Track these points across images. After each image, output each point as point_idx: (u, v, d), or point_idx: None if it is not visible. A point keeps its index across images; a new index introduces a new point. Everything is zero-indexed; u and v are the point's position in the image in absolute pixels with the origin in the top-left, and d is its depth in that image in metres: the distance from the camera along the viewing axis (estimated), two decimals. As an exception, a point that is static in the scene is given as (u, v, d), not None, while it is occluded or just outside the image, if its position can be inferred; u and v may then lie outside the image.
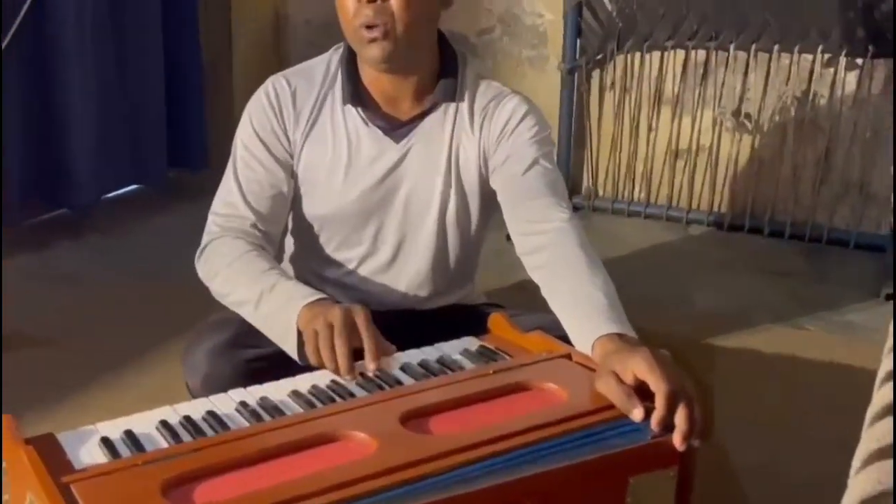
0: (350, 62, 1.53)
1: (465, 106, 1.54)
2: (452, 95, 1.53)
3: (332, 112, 1.54)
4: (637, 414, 1.11)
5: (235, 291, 1.44)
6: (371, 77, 1.52)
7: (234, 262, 1.45)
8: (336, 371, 1.26)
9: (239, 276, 1.43)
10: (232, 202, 1.52)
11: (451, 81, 1.53)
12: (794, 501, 1.65)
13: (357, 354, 1.27)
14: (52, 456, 1.05)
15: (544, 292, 1.39)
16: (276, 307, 1.37)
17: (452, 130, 1.54)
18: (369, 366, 1.26)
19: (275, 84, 1.54)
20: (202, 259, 1.50)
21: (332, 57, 1.56)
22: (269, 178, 1.53)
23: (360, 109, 1.52)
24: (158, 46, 3.06)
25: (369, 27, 1.41)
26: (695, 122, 3.06)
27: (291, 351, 1.35)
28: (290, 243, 1.69)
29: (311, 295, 1.35)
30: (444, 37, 1.56)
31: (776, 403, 2.04)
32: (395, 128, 1.53)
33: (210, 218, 1.53)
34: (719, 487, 1.70)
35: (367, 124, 1.53)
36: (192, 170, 3.24)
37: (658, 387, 1.11)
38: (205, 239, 1.51)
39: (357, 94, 1.52)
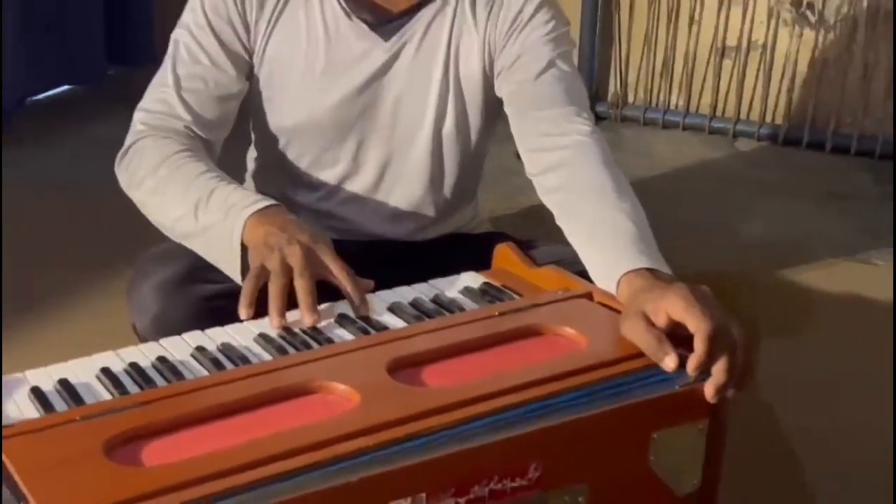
0: None
1: None
2: None
3: (305, 0, 1.51)
4: (669, 362, 1.12)
5: (164, 204, 1.42)
6: None
7: (161, 167, 1.42)
8: (279, 323, 1.24)
9: (168, 184, 1.41)
10: (165, 99, 1.49)
11: None
12: (854, 470, 1.67)
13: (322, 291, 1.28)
14: (-27, 409, 1.06)
15: (560, 219, 1.40)
16: (214, 219, 1.36)
17: (452, 26, 1.52)
18: (360, 309, 1.27)
19: None
20: (123, 163, 1.48)
21: None
22: (215, 76, 1.50)
23: None
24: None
25: None
26: (746, 14, 3.03)
27: (233, 273, 1.35)
28: (252, 160, 1.69)
29: (258, 201, 1.34)
30: None
31: (837, 352, 2.05)
32: (384, 22, 1.51)
33: (136, 115, 1.50)
34: (764, 451, 1.73)
35: (349, 17, 1.51)
36: (136, 66, 3.20)
37: (698, 327, 1.11)
38: (128, 139, 1.49)
39: None
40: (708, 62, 3.13)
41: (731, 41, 3.09)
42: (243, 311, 1.27)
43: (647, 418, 1.11)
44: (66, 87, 3.19)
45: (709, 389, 1.11)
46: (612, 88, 3.25)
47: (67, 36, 3.02)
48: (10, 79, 2.85)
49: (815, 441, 1.78)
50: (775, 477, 1.68)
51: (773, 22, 3.03)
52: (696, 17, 3.09)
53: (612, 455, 1.10)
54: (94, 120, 3.03)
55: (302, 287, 1.26)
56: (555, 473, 1.06)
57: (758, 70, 3.10)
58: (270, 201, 1.36)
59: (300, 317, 1.26)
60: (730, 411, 1.15)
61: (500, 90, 1.54)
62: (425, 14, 1.52)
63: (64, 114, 3.10)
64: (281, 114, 1.56)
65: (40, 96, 3.12)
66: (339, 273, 1.29)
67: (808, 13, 3.01)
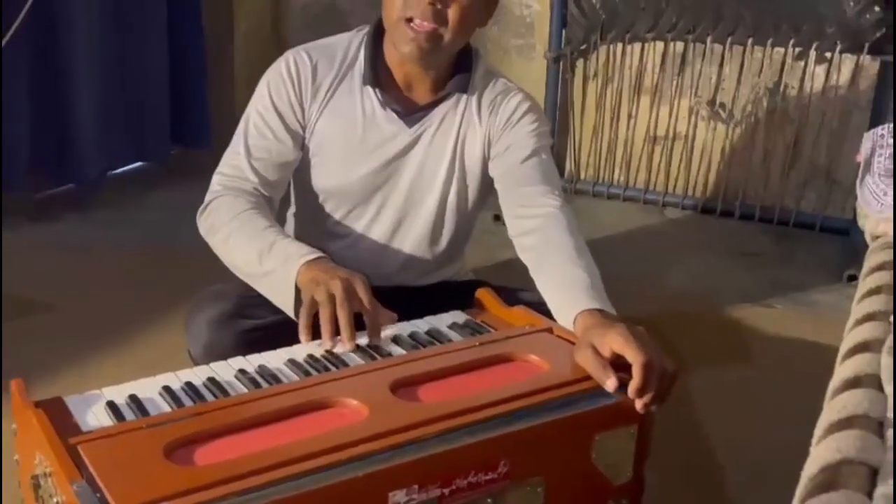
0: (375, 45, 1.52)
1: (474, 98, 1.54)
2: (465, 88, 1.53)
3: (349, 90, 1.52)
4: (611, 384, 1.13)
5: (235, 250, 1.42)
6: (395, 62, 1.51)
7: (233, 220, 1.43)
8: (330, 345, 1.25)
9: (239, 234, 1.42)
10: (238, 165, 1.50)
11: (466, 75, 1.53)
12: (759, 468, 1.66)
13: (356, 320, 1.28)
14: (60, 419, 1.05)
15: (532, 271, 1.40)
16: (274, 265, 1.36)
17: (461, 120, 1.54)
18: (374, 340, 1.27)
19: (296, 57, 1.52)
20: (203, 215, 1.49)
21: (354, 38, 1.55)
22: (277, 148, 1.51)
23: (378, 91, 1.51)
24: (162, 28, 3.03)
25: (412, 20, 1.41)
26: (672, 111, 3.06)
27: (288, 309, 1.34)
28: (291, 215, 1.69)
29: (309, 253, 1.35)
30: None
31: (745, 377, 2.05)
32: (410, 112, 1.52)
33: (215, 177, 1.51)
34: (691, 454, 1.72)
35: (383, 107, 1.52)
36: (195, 148, 3.21)
37: (635, 359, 1.12)
38: (208, 197, 1.50)
39: (377, 76, 1.51)
40: (643, 148, 3.16)
41: (661, 132, 3.12)
42: (303, 337, 1.27)
43: (590, 424, 1.11)
44: (138, 164, 3.20)
45: (638, 403, 1.13)
46: (568, 168, 3.27)
47: (139, 121, 3.03)
48: (94, 156, 2.86)
49: (728, 440, 1.77)
50: (693, 468, 1.67)
51: (692, 117, 3.06)
52: (633, 113, 3.12)
53: (563, 453, 1.11)
54: (161, 189, 3.03)
55: (343, 317, 1.26)
56: (519, 468, 1.06)
57: (681, 154, 3.12)
58: (319, 253, 1.36)
59: (343, 343, 1.26)
60: (653, 419, 1.16)
61: (493, 170, 1.55)
62: (441, 108, 1.54)
63: (137, 184, 3.10)
64: (323, 177, 1.56)
65: (118, 170, 3.11)
66: (368, 304, 1.29)
67: (720, 111, 3.04)
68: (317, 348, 1.26)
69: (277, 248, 1.37)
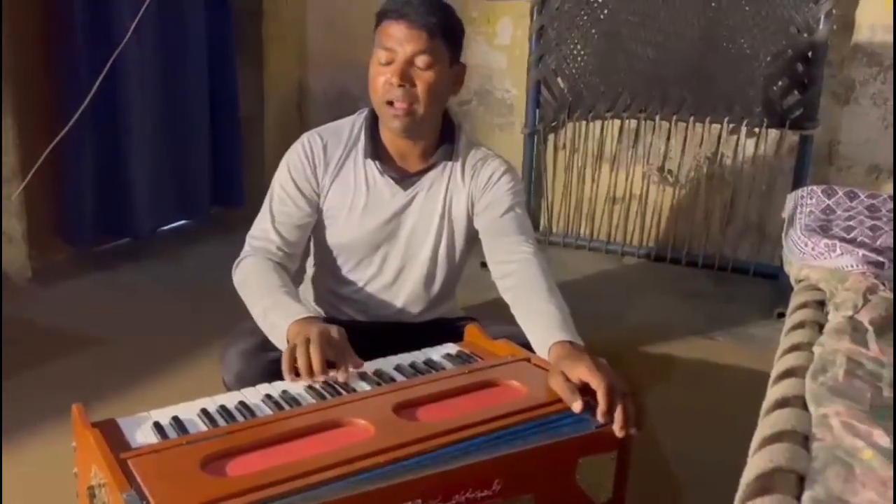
0: (372, 125, 1.55)
1: (458, 165, 1.56)
2: (450, 156, 1.55)
3: (354, 163, 1.55)
4: (577, 406, 1.12)
5: (251, 302, 1.44)
6: (389, 138, 1.54)
7: (255, 276, 1.45)
8: (306, 381, 1.23)
9: (256, 289, 1.44)
10: (265, 229, 1.53)
11: (450, 145, 1.55)
12: (706, 477, 1.64)
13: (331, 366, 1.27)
14: (113, 437, 1.05)
15: (511, 307, 1.40)
16: (274, 320, 1.37)
17: (448, 183, 1.55)
18: (339, 377, 1.25)
19: (309, 139, 1.56)
20: (236, 271, 1.51)
21: (357, 119, 1.58)
22: (297, 213, 1.53)
23: (377, 163, 1.54)
24: (205, 110, 3.06)
25: (392, 103, 1.43)
26: (628, 176, 3.09)
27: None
28: (311, 266, 1.69)
29: (300, 313, 1.35)
30: (446, 109, 1.57)
31: (691, 399, 2.04)
32: (404, 178, 1.54)
33: (247, 240, 1.54)
34: (649, 465, 1.70)
35: (382, 175, 1.54)
36: (230, 207, 3.23)
37: (598, 385, 1.12)
38: (241, 255, 1.52)
39: (376, 150, 1.53)
40: (604, 206, 3.18)
41: (619, 193, 3.14)
42: (287, 377, 1.26)
43: (575, 450, 1.10)
44: (182, 221, 3.20)
45: (616, 429, 1.11)
46: (542, 222, 3.29)
47: (185, 186, 3.05)
48: (146, 215, 2.87)
49: (675, 452, 1.75)
50: (645, 477, 1.65)
51: (645, 181, 3.09)
52: (596, 177, 3.14)
53: (551, 474, 1.09)
54: (201, 244, 3.03)
55: (315, 357, 1.24)
56: (511, 487, 1.05)
57: (637, 212, 3.14)
58: (308, 314, 1.35)
59: (305, 378, 1.24)
60: (632, 445, 1.14)
61: (477, 224, 1.57)
62: (430, 175, 1.55)
63: (182, 238, 3.10)
64: (336, 235, 1.57)
65: (165, 227, 3.12)
66: (337, 351, 1.27)
67: (668, 176, 3.07)
68: (299, 385, 1.24)
69: (279, 306, 1.38)
